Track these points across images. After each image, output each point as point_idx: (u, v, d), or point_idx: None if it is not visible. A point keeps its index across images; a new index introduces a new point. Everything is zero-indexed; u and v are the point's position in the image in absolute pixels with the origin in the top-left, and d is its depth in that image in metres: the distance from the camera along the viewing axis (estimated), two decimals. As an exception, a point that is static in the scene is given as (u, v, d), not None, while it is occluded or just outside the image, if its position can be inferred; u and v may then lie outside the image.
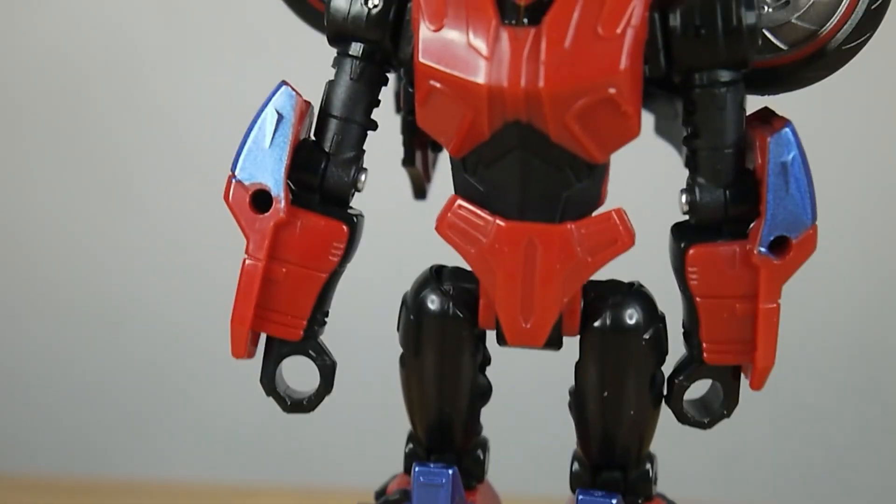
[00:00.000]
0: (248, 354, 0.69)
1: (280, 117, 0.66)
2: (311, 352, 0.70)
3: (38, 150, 1.50)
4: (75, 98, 1.48)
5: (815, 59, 0.68)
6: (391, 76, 0.70)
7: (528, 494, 1.06)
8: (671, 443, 0.76)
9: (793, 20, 0.68)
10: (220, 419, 1.51)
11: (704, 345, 0.68)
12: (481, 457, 0.75)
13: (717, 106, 0.65)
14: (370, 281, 1.06)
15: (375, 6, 0.67)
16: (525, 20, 0.61)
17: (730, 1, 0.63)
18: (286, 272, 0.68)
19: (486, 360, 0.73)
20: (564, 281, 0.65)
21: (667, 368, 0.71)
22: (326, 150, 0.68)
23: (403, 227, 1.11)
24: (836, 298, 1.43)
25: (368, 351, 1.11)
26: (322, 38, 0.69)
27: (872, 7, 0.67)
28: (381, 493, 0.76)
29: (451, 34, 0.62)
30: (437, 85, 0.62)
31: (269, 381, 0.71)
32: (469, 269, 0.67)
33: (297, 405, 0.71)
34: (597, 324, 0.69)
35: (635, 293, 0.70)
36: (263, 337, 0.70)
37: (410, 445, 0.75)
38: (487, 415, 0.75)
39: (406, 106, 0.74)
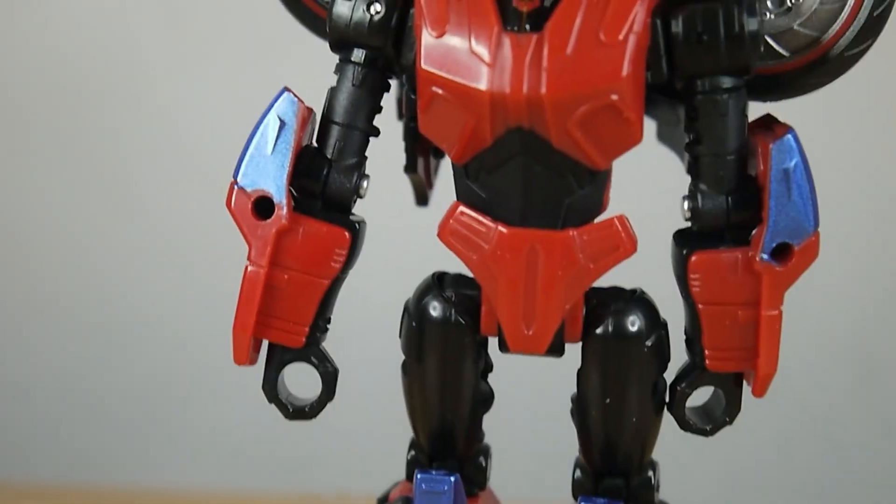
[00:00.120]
0: (250, 361, 0.69)
1: (282, 124, 0.66)
2: (313, 359, 0.70)
3: (39, 153, 1.50)
4: (77, 102, 1.48)
5: (817, 66, 0.68)
6: (393, 82, 0.70)
7: (531, 501, 1.05)
8: (673, 450, 0.76)
9: (795, 27, 0.68)
10: (222, 426, 1.51)
11: (707, 352, 0.67)
12: (483, 464, 0.75)
13: (720, 112, 0.65)
14: (372, 287, 1.06)
15: (378, 12, 0.67)
16: (527, 26, 0.61)
17: (732, 7, 0.63)
18: (288, 279, 0.68)
19: (489, 367, 0.73)
20: (566, 288, 0.65)
21: (669, 375, 0.71)
22: (328, 156, 0.68)
23: (405, 233, 1.10)
24: (838, 305, 1.43)
25: (370, 358, 1.11)
26: (324, 45, 0.69)
27: (874, 14, 0.67)
28: (383, 501, 0.76)
29: (454, 40, 0.62)
30: (440, 91, 0.62)
31: (272, 387, 0.71)
32: (471, 275, 0.67)
33: (299, 412, 0.71)
34: (599, 330, 0.69)
35: (637, 300, 0.70)
36: (265, 344, 0.70)
37: (412, 452, 0.75)
38: (489, 422, 0.75)
39: (408, 112, 0.74)
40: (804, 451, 1.46)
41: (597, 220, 0.66)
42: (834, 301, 1.41)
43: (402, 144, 0.78)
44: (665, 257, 0.68)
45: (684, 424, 0.70)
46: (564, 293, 0.65)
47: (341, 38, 0.68)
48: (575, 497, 0.73)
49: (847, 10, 0.67)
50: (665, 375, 0.70)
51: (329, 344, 0.71)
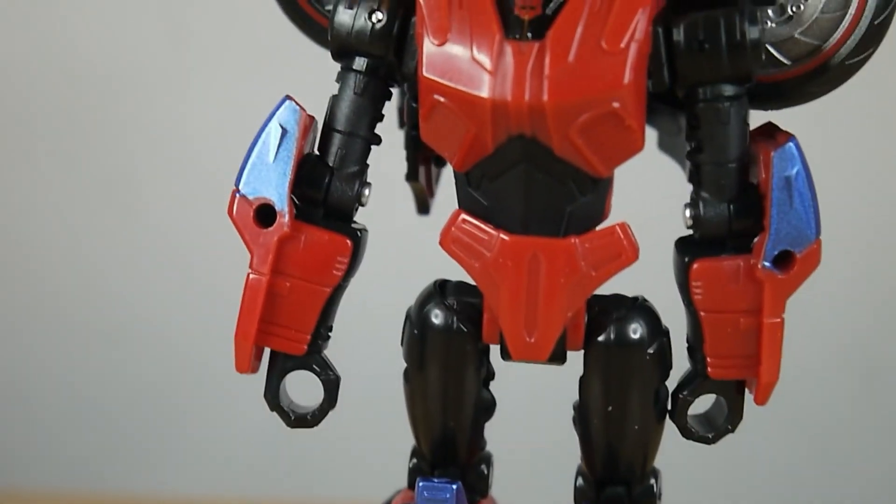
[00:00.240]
0: (252, 369, 0.69)
1: (284, 132, 0.67)
2: (314, 366, 0.70)
3: (43, 158, 1.50)
4: (80, 108, 1.48)
5: (818, 74, 0.68)
6: (395, 91, 0.70)
7: (533, 509, 1.05)
8: (675, 458, 0.76)
9: (796, 35, 0.68)
10: (224, 433, 1.51)
11: (709, 359, 0.67)
12: (485, 471, 0.75)
13: (721, 121, 0.65)
14: (374, 295, 1.06)
15: (379, 21, 0.67)
16: (529, 34, 0.61)
17: (733, 16, 0.63)
18: (290, 287, 0.68)
19: (490, 375, 0.73)
20: (568, 295, 0.65)
21: (671, 383, 0.71)
22: (330, 164, 0.68)
23: (407, 241, 1.11)
24: (840, 313, 1.43)
25: (372, 366, 1.11)
26: (326, 53, 0.69)
27: (875, 22, 0.67)
28: (384, 509, 0.76)
29: (455, 49, 0.62)
30: (441, 99, 0.62)
31: (273, 395, 0.71)
32: (473, 283, 0.67)
33: (301, 420, 0.71)
34: (601, 338, 0.69)
35: (639, 307, 0.70)
36: (267, 351, 0.70)
37: (414, 460, 0.75)
38: (491, 429, 0.75)
39: (410, 120, 0.74)
40: (807, 460, 1.46)
41: (598, 228, 0.66)
42: (836, 309, 1.41)
43: (403, 152, 0.78)
44: (667, 265, 0.68)
45: (686, 432, 0.70)
46: (566, 301, 0.65)
47: (343, 47, 0.68)
48: (577, 505, 0.74)
49: (848, 18, 0.67)
50: (667, 383, 0.70)
51: (331, 352, 0.71)
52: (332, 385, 0.70)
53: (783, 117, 0.69)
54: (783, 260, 0.65)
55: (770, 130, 0.68)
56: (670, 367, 0.70)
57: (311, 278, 0.68)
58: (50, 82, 1.48)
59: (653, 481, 0.73)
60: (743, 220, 0.65)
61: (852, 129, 1.38)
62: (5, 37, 1.47)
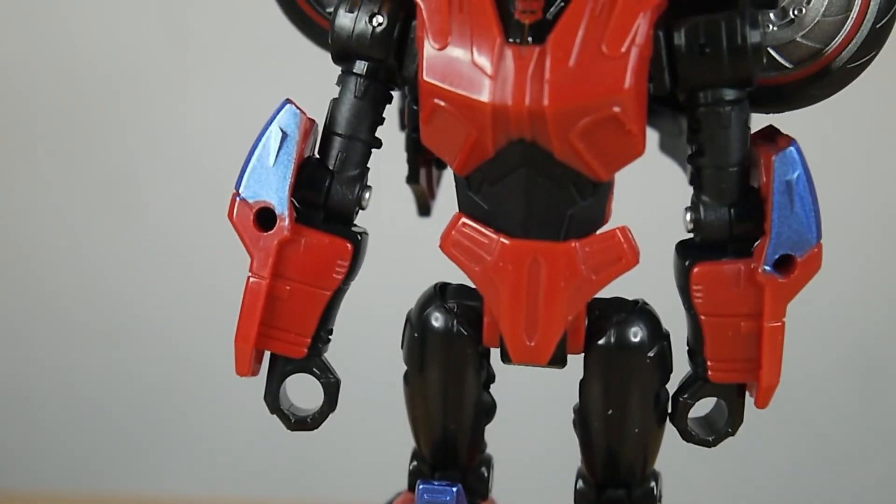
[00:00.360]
0: (252, 373, 0.69)
1: (284, 135, 0.66)
2: (315, 369, 0.70)
3: (43, 160, 1.50)
4: (80, 110, 1.48)
5: (819, 78, 0.68)
6: (395, 94, 0.70)
7: (533, 511, 1.05)
8: (676, 461, 0.76)
9: (797, 38, 0.68)
10: (224, 436, 1.51)
11: (709, 363, 0.67)
12: (485, 474, 0.75)
13: (722, 124, 0.64)
14: (374, 298, 1.06)
15: (380, 24, 0.67)
16: (529, 39, 0.61)
17: (734, 19, 0.63)
18: (290, 290, 0.68)
19: (491, 378, 0.73)
20: (569, 299, 0.65)
21: (671, 386, 0.70)
22: (330, 167, 0.68)
23: (407, 244, 1.11)
24: (841, 317, 1.43)
25: (372, 368, 1.11)
26: (326, 55, 0.69)
27: (877, 26, 0.67)
28: (384, 511, 0.76)
29: (456, 52, 0.61)
30: (442, 103, 0.62)
31: (274, 398, 0.71)
32: (473, 286, 0.67)
33: (302, 423, 0.71)
34: (601, 341, 0.69)
35: (640, 311, 0.70)
36: (267, 355, 0.70)
37: (414, 463, 0.75)
38: (491, 432, 0.75)
39: (410, 123, 0.74)
40: (807, 462, 1.46)
41: (599, 232, 0.66)
42: (837, 312, 1.41)
43: (404, 155, 0.78)
44: (667, 268, 0.68)
45: (687, 435, 0.70)
46: (566, 304, 0.65)
47: (343, 50, 0.68)
48: (577, 508, 0.74)
49: (850, 22, 0.67)
50: (667, 386, 0.70)
51: (331, 354, 0.71)
52: (332, 388, 0.70)
53: (784, 121, 0.69)
54: (784, 264, 0.65)
55: (771, 134, 0.67)
56: (671, 371, 0.70)
57: (311, 282, 0.68)
58: (50, 82, 1.48)
59: (653, 484, 0.73)
60: (744, 224, 0.65)
61: (854, 133, 1.38)
62: (5, 37, 1.47)
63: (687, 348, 0.69)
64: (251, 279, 0.67)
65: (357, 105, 0.68)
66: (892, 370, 1.45)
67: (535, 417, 1.23)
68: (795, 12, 0.68)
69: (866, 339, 1.44)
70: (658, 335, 0.69)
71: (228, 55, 1.45)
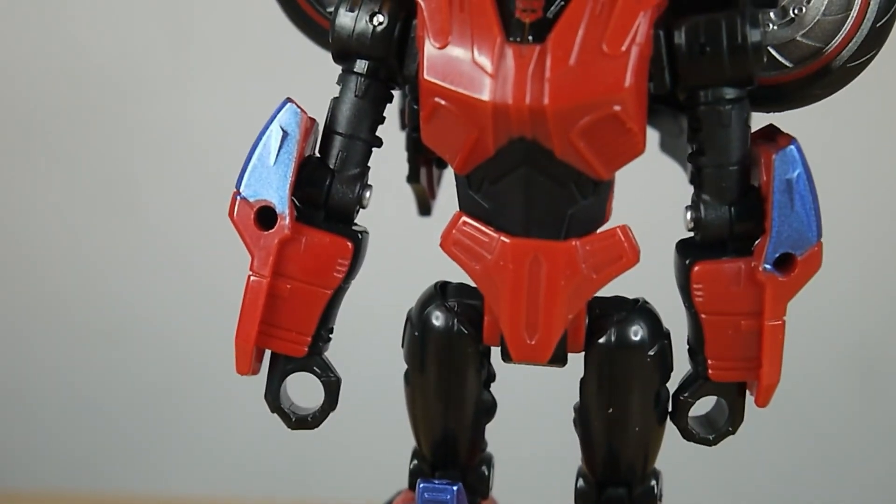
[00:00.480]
0: (252, 371, 0.69)
1: (285, 134, 0.67)
2: (315, 368, 0.70)
3: (42, 157, 1.50)
4: (80, 108, 1.48)
5: (820, 77, 0.68)
6: (396, 93, 0.70)
7: (533, 510, 1.05)
8: (676, 460, 0.76)
9: (798, 38, 0.68)
10: (225, 435, 1.51)
11: (709, 362, 0.67)
12: (486, 473, 0.75)
13: (722, 123, 0.64)
14: (375, 297, 1.06)
15: (380, 23, 0.67)
16: (530, 37, 0.61)
17: (735, 18, 0.63)
18: (291, 289, 0.68)
19: (491, 377, 0.73)
20: (569, 298, 0.65)
21: (672, 385, 0.71)
22: (331, 167, 0.68)
23: (408, 243, 1.11)
24: (841, 315, 1.43)
25: (373, 367, 1.11)
26: (327, 55, 0.69)
27: (877, 25, 0.67)
28: (385, 510, 0.77)
29: (456, 51, 0.61)
30: (442, 102, 0.62)
31: (274, 397, 0.71)
32: (474, 285, 0.67)
33: (302, 421, 0.71)
34: (601, 340, 0.69)
35: (640, 310, 0.70)
36: (268, 353, 0.70)
37: (415, 461, 0.75)
38: (492, 431, 0.75)
39: (411, 123, 0.74)
40: (807, 461, 1.46)
41: (599, 231, 0.66)
42: (837, 311, 1.41)
43: (404, 154, 0.78)
44: (668, 267, 0.68)
45: (687, 434, 0.70)
46: (567, 303, 0.65)
47: (344, 49, 0.68)
48: (577, 507, 0.74)
49: (850, 21, 0.67)
50: (668, 385, 0.70)
51: (331, 353, 0.71)
52: (332, 387, 0.70)
53: (785, 120, 0.69)
54: (784, 262, 0.65)
55: (771, 133, 0.68)
56: (671, 369, 0.70)
57: (311, 280, 0.68)
58: (53, 83, 1.48)
59: (653, 482, 0.73)
60: (744, 223, 0.65)
61: (854, 132, 1.38)
62: (8, 38, 1.47)
63: (687, 347, 0.69)
64: (252, 278, 0.67)
65: (358, 104, 0.68)
66: (892, 370, 1.45)
67: (535, 416, 1.23)
68: (796, 11, 0.68)
69: (867, 337, 1.44)
70: (658, 334, 0.69)
71: (229, 55, 1.45)
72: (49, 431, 1.54)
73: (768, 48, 0.67)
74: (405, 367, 0.72)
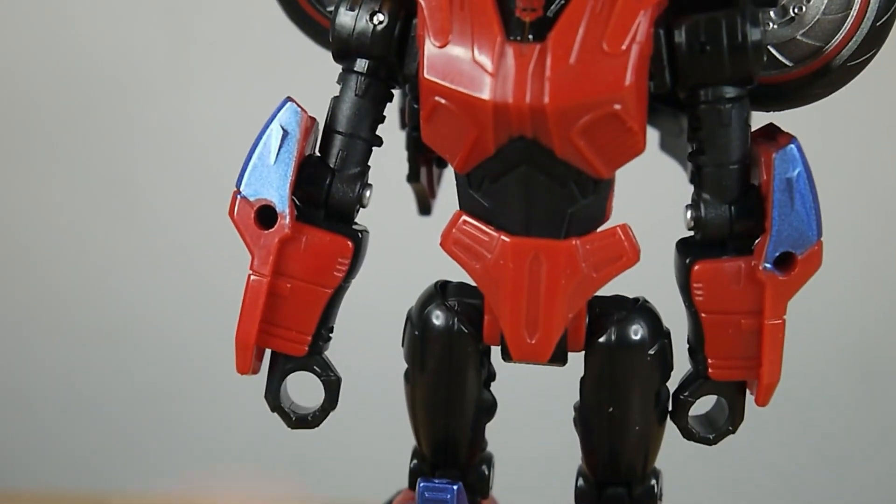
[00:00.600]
0: (253, 371, 0.69)
1: (285, 133, 0.67)
2: (315, 367, 0.70)
3: (43, 157, 1.50)
4: (80, 108, 1.48)
5: (820, 76, 0.68)
6: (396, 92, 0.70)
7: (533, 510, 1.06)
8: (676, 459, 0.76)
9: (798, 37, 0.68)
10: (225, 434, 1.51)
11: (709, 361, 0.67)
12: (486, 472, 0.75)
13: (723, 122, 0.64)
14: (375, 296, 1.06)
15: (381, 22, 0.67)
16: (530, 36, 0.61)
17: (735, 17, 0.63)
18: (291, 288, 0.68)
19: (491, 376, 0.73)
20: (569, 297, 0.65)
21: (672, 384, 0.71)
22: (331, 166, 0.68)
23: (408, 243, 1.11)
24: (842, 314, 1.43)
25: (373, 366, 1.11)
26: (327, 54, 0.69)
27: (877, 24, 0.67)
28: (385, 509, 0.77)
29: (456, 50, 0.61)
30: (442, 101, 0.62)
31: (274, 396, 0.71)
32: (474, 284, 0.67)
33: (302, 420, 0.71)
34: (602, 339, 0.69)
35: (640, 309, 0.70)
36: (268, 352, 0.70)
37: (415, 461, 0.75)
38: (492, 430, 0.75)
39: (411, 122, 0.74)
40: (808, 461, 1.46)
41: (600, 230, 0.66)
42: (837, 310, 1.41)
43: (404, 154, 0.78)
44: (668, 266, 0.68)
45: (687, 433, 0.70)
46: (567, 302, 0.65)
47: (344, 48, 0.68)
48: (577, 506, 0.74)
49: (850, 20, 0.67)
50: (668, 384, 0.70)
51: (332, 353, 0.71)
52: (332, 386, 0.70)
53: (785, 119, 0.69)
54: (784, 261, 0.65)
55: (771, 132, 0.68)
56: (671, 369, 0.70)
57: (312, 279, 0.68)
58: (53, 83, 1.48)
59: (654, 482, 0.73)
60: (744, 222, 0.65)
61: (854, 131, 1.38)
62: (9, 38, 1.47)
63: (687, 346, 0.69)
64: (252, 277, 0.67)
65: (358, 103, 0.68)
66: (892, 370, 1.45)
67: (535, 416, 1.23)
68: (796, 10, 0.68)
69: (867, 336, 1.44)
70: (658, 333, 0.69)
71: (229, 54, 1.45)
72: (49, 431, 1.54)
73: (768, 47, 0.67)
74: (405, 366, 0.72)
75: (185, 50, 1.46)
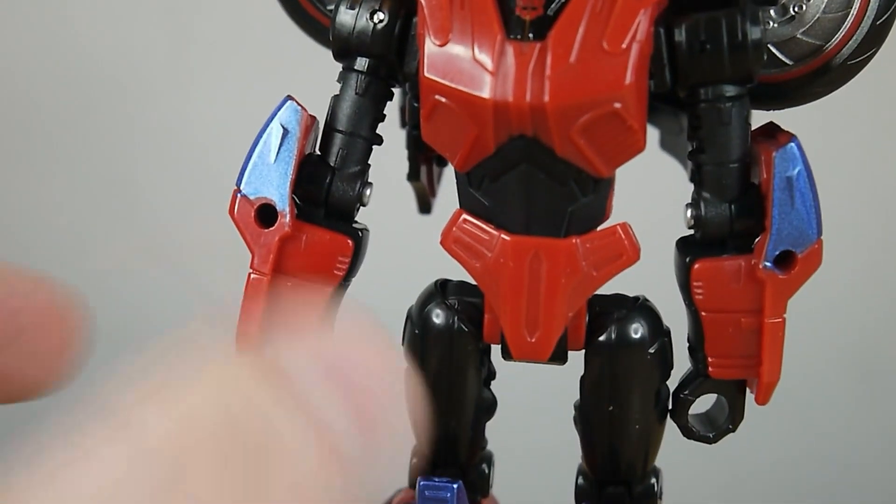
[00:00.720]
0: (253, 369, 0.69)
1: (285, 132, 0.67)
2: (315, 366, 0.70)
3: (43, 157, 1.50)
4: (81, 108, 1.48)
5: (820, 75, 0.68)
6: (396, 91, 0.70)
7: (533, 509, 1.05)
8: (676, 457, 0.76)
9: (798, 35, 0.68)
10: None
11: (709, 359, 0.68)
12: (486, 471, 0.75)
13: (723, 121, 0.65)
14: (375, 295, 1.06)
15: (381, 21, 0.67)
16: (530, 35, 0.61)
17: (735, 16, 0.63)
18: (291, 286, 0.68)
19: (492, 375, 0.73)
20: (569, 295, 0.65)
21: (672, 383, 0.71)
22: (332, 164, 0.68)
23: (408, 241, 1.10)
24: (842, 313, 1.43)
25: (373, 365, 1.11)
26: (327, 53, 0.69)
27: (877, 23, 0.67)
28: (385, 508, 0.76)
29: (457, 49, 0.61)
30: (443, 100, 0.62)
31: (274, 395, 0.71)
32: (474, 283, 0.67)
33: (302, 420, 0.71)
34: (602, 338, 0.69)
35: (640, 307, 0.70)
36: (268, 351, 0.70)
37: (415, 459, 0.75)
38: (492, 429, 0.75)
39: (411, 120, 0.74)
40: (807, 459, 1.46)
41: (600, 228, 0.66)
42: (837, 308, 1.41)
43: (405, 152, 0.78)
44: (668, 265, 0.68)
45: (687, 432, 0.70)
46: (567, 301, 0.65)
47: (344, 47, 0.68)
48: (578, 504, 0.74)
49: (850, 19, 0.67)
50: (668, 383, 0.70)
51: (332, 352, 0.71)
52: (333, 385, 0.70)
53: (785, 117, 0.69)
54: (784, 260, 0.65)
55: (771, 130, 0.68)
56: (671, 367, 0.70)
57: (312, 278, 0.68)
58: (54, 83, 1.48)
59: (653, 480, 0.73)
60: (744, 221, 0.65)
61: (854, 130, 1.38)
62: (9, 38, 1.47)
63: (687, 345, 0.69)
64: (252, 275, 0.67)
65: (358, 102, 0.68)
66: (892, 369, 1.45)
67: (535, 414, 1.23)
68: (796, 9, 0.68)
69: (867, 335, 1.44)
70: (658, 332, 0.69)
71: (229, 54, 1.45)
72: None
73: (768, 46, 0.67)
74: (405, 364, 0.72)
75: (185, 50, 1.46)
